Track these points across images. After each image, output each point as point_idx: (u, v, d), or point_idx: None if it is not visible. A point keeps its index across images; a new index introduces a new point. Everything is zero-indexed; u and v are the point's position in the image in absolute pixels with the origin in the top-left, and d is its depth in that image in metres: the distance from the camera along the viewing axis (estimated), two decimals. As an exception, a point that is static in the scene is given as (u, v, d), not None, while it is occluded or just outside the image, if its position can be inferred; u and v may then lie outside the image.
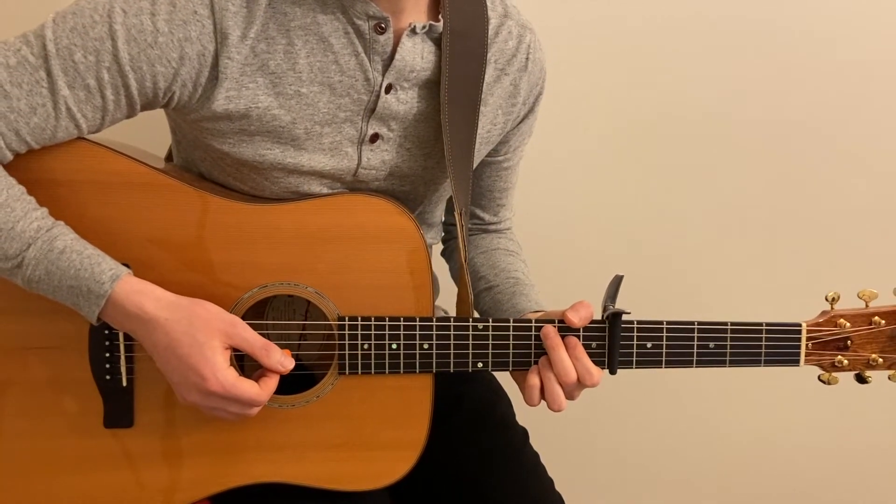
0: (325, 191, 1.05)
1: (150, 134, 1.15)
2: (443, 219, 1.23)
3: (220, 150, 1.01)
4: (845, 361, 1.05)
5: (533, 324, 1.02)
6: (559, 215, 1.60)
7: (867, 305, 1.05)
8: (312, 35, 0.98)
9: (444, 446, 1.11)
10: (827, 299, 1.05)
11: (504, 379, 1.20)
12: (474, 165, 1.10)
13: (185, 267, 0.99)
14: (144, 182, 0.98)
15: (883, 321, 1.05)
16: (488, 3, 1.07)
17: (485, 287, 1.18)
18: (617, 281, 1.03)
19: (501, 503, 1.11)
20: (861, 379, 1.06)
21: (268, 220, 1.00)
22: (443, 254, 1.30)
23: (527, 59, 1.11)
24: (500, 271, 1.18)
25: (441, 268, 1.18)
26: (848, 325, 1.04)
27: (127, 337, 0.99)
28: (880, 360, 1.05)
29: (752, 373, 1.16)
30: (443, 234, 1.26)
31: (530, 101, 1.15)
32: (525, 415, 1.18)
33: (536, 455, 1.17)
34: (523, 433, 1.19)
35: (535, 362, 1.02)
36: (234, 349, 0.96)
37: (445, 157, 1.04)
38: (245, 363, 1.03)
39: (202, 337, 0.93)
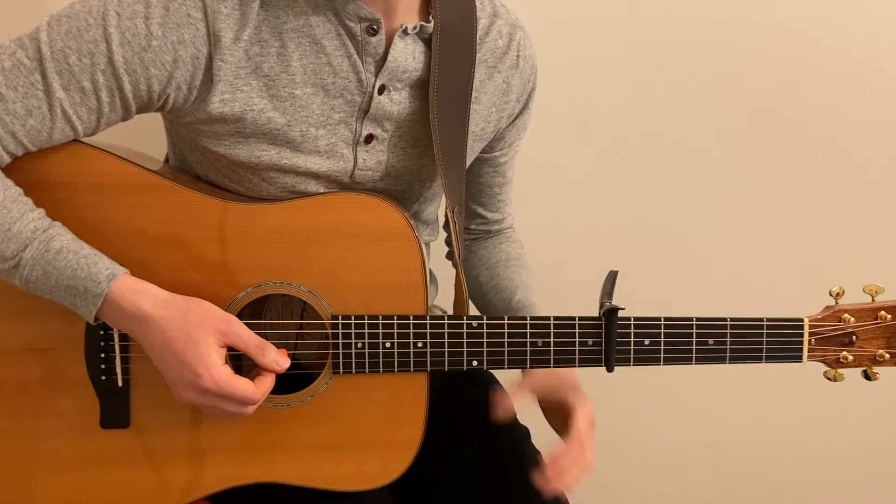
0: (322, 190, 1.06)
1: (148, 136, 1.17)
2: (439, 218, 1.23)
3: (215, 153, 1.02)
4: (850, 357, 1.02)
5: (528, 320, 1.01)
6: (555, 211, 1.59)
7: (873, 300, 1.03)
8: (305, 37, 0.99)
9: (445, 446, 1.11)
10: (831, 294, 1.03)
11: (505, 378, 1.19)
12: (467, 163, 1.11)
13: (181, 267, 1.00)
14: (140, 183, 0.99)
15: (889, 316, 1.02)
16: (478, 4, 1.08)
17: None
18: (612, 277, 1.02)
19: (503, 503, 1.09)
20: (868, 375, 1.04)
21: (262, 220, 1.01)
22: (448, 256, 1.30)
23: (517, 56, 1.11)
24: (503, 294, 1.17)
25: (441, 267, 1.17)
26: (852, 320, 1.02)
27: (122, 337, 1.00)
28: (887, 355, 1.02)
29: (757, 371, 1.14)
30: (446, 235, 1.26)
31: (524, 98, 1.15)
32: (526, 414, 1.17)
33: (538, 454, 1.15)
34: (525, 432, 1.17)
35: (531, 360, 1.01)
36: (230, 347, 0.96)
37: (435, 156, 1.04)
38: (243, 363, 1.03)
39: (197, 334, 0.93)
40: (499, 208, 1.24)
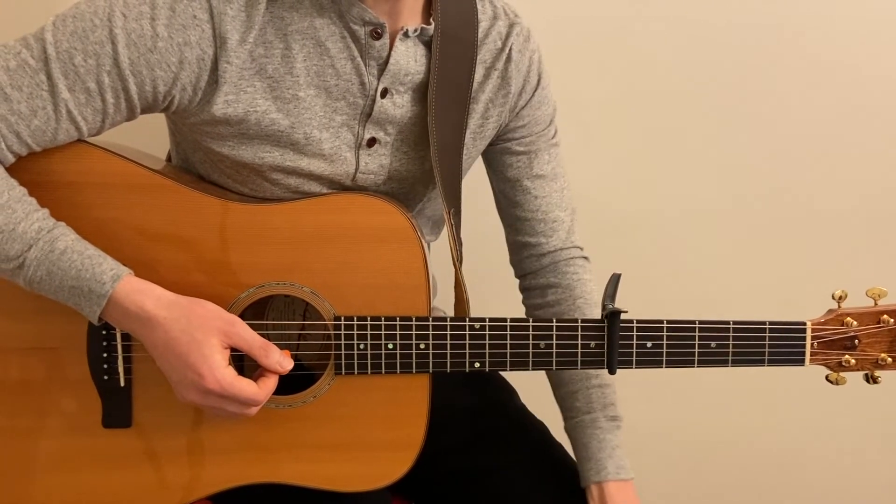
0: (325, 191, 1.06)
1: (151, 136, 1.17)
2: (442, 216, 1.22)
3: (219, 153, 1.02)
4: (852, 361, 1.02)
5: (531, 322, 1.01)
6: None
7: (876, 304, 1.03)
8: (309, 39, 0.99)
9: (448, 446, 1.11)
10: (834, 297, 1.03)
11: (511, 377, 1.19)
12: (464, 162, 1.10)
13: (184, 267, 1.00)
14: (143, 183, 1.00)
15: (892, 320, 1.02)
16: (479, 6, 1.08)
17: (565, 416, 1.15)
18: (615, 279, 1.02)
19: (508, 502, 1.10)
20: (870, 379, 1.04)
21: (264, 220, 1.01)
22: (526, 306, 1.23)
23: (510, 49, 1.10)
24: (566, 390, 1.13)
25: (440, 268, 1.17)
26: (855, 323, 1.02)
27: (125, 337, 1.00)
28: (889, 359, 1.02)
29: (759, 373, 1.14)
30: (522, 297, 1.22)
31: (530, 88, 1.13)
32: (540, 412, 1.18)
33: (561, 446, 1.16)
34: (542, 430, 1.18)
35: (533, 362, 1.01)
36: (233, 349, 0.96)
37: (432, 158, 1.04)
38: (245, 363, 1.03)
39: (200, 335, 0.93)
40: (538, 206, 1.15)
